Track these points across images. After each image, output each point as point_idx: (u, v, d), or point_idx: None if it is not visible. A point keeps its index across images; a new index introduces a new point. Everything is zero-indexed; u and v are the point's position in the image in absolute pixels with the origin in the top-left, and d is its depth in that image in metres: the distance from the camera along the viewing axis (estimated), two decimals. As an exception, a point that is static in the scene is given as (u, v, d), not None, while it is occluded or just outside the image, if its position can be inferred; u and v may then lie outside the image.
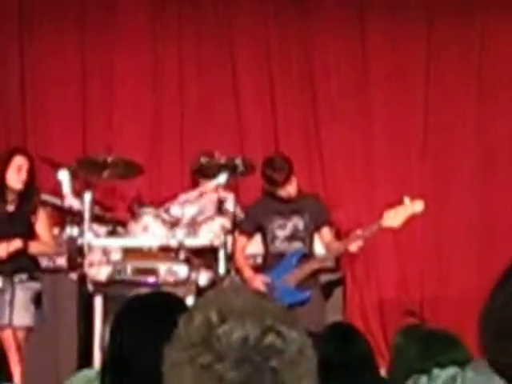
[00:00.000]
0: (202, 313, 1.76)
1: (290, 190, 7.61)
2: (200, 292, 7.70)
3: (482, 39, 9.04)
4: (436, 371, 2.67)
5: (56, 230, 8.37)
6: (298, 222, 7.72)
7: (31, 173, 7.53)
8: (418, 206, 7.43)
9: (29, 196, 7.60)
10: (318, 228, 7.67)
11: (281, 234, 7.72)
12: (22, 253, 7.54)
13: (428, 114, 9.28)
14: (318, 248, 7.85)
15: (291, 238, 7.76)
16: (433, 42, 9.06)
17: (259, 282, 7.48)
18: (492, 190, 9.29)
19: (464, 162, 9.34)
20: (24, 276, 7.57)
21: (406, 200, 7.43)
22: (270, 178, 7.60)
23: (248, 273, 7.67)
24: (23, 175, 7.45)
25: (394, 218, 7.43)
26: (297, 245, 7.67)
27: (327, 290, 8.41)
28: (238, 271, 7.86)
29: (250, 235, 7.80)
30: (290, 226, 7.75)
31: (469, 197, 9.17)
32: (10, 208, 7.48)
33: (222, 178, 8.00)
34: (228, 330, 1.70)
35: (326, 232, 7.66)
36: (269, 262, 7.72)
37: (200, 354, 1.70)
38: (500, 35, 8.97)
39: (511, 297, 1.71)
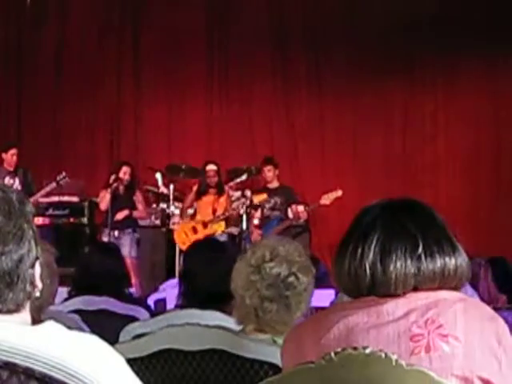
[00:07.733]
0: (261, 250, 2.26)
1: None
2: (233, 238, 8.96)
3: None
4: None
5: (154, 205, 9.84)
6: (277, 200, 9.50)
7: (132, 174, 9.03)
8: (338, 193, 9.08)
9: (131, 187, 9.03)
10: (289, 204, 9.38)
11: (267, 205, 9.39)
12: (128, 217, 9.04)
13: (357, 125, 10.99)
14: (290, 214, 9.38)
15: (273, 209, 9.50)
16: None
17: (257, 233, 9.02)
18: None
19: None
20: (130, 230, 9.03)
21: (335, 191, 9.08)
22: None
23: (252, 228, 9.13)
24: (127, 176, 8.91)
25: (326, 200, 9.12)
26: (276, 213, 9.47)
27: (303, 234, 9.55)
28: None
29: None
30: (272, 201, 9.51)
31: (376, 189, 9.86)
32: (121, 192, 8.97)
33: (243, 177, 9.55)
34: (272, 266, 2.14)
35: (294, 206, 9.33)
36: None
37: (252, 272, 2.16)
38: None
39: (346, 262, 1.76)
